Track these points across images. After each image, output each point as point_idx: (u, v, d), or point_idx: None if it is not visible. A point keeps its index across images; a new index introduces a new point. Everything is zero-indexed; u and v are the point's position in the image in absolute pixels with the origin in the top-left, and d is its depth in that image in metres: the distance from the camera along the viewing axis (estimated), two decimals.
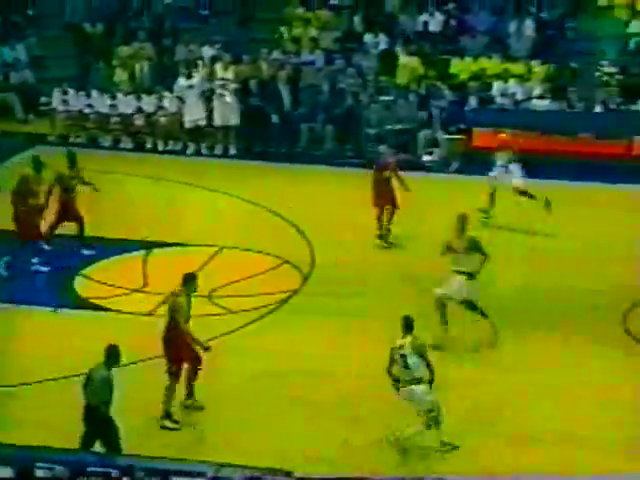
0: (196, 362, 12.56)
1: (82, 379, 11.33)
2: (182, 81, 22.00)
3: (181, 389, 12.59)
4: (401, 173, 17.43)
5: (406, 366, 11.81)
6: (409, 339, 11.86)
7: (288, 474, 10.11)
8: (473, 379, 13.16)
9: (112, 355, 11.25)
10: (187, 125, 21.80)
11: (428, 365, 11.75)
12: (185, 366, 12.50)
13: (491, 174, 18.00)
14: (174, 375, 12.45)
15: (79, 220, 16.55)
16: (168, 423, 12.29)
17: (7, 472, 9.68)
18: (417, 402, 11.78)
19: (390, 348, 11.93)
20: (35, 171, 16.19)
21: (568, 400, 12.73)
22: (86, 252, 16.58)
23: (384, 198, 17.06)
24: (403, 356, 11.82)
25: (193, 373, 12.65)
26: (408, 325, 11.94)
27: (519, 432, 12.06)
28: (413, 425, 11.68)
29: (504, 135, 18.54)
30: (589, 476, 10.98)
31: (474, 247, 13.89)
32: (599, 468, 11.27)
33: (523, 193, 17.71)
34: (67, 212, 16.47)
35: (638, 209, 18.36)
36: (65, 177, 16.44)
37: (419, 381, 11.76)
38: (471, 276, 13.89)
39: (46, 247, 16.38)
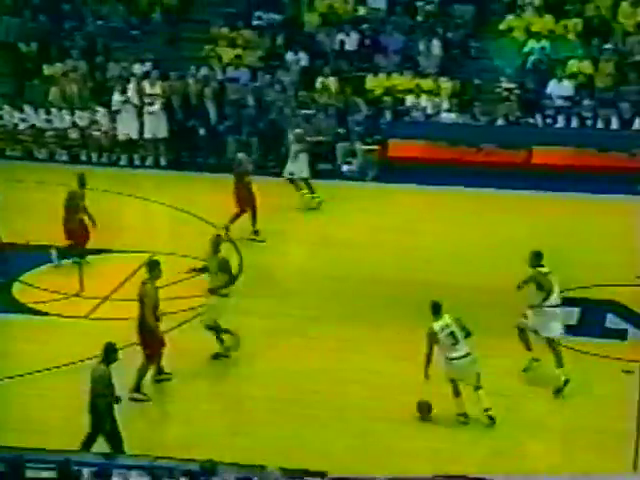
0: (161, 345, 13.10)
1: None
2: (116, 96, 21.87)
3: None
4: (322, 181, 17.76)
5: (456, 342, 12.25)
6: (447, 318, 12.36)
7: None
8: None
9: (110, 352, 11.42)
10: (120, 137, 21.68)
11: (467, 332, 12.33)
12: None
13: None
14: (149, 358, 12.98)
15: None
16: (138, 395, 12.85)
17: None
18: (468, 374, 12.25)
19: (428, 334, 12.25)
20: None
21: None
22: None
23: (246, 201, 17.60)
24: (452, 333, 12.31)
25: (147, 361, 13.10)
26: (437, 309, 12.43)
27: None
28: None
29: None
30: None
31: (223, 268, 13.89)
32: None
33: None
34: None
35: (536, 213, 18.74)
36: (77, 196, 16.54)
37: (468, 354, 12.24)
38: (215, 293, 13.87)
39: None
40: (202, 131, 21.88)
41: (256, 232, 17.75)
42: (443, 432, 12.34)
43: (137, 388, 13.02)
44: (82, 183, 16.77)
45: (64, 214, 16.48)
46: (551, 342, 13.13)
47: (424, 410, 12.50)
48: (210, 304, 13.92)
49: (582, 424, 12.46)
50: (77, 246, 16.54)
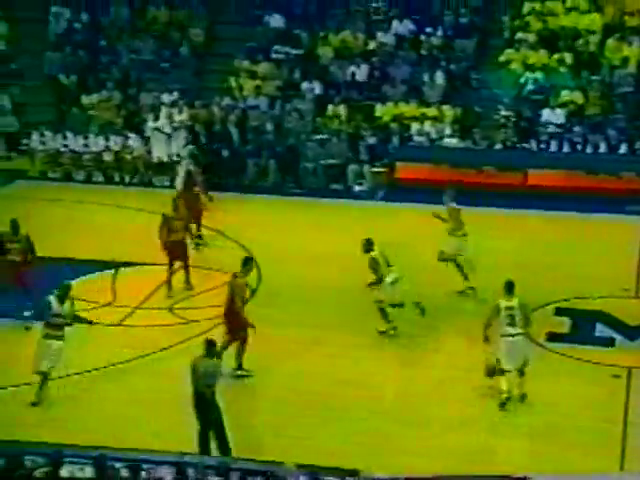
0: (245, 337, 13.21)
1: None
2: (149, 123, 21.93)
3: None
4: (335, 200, 17.73)
5: (513, 323, 12.35)
6: (516, 300, 12.49)
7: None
8: None
9: (211, 347, 11.47)
10: (154, 160, 21.69)
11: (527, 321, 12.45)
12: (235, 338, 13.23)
13: None
14: (227, 343, 13.23)
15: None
16: (242, 372, 13.25)
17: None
18: (517, 352, 12.32)
19: (494, 305, 12.50)
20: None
21: None
22: None
23: (194, 209, 17.57)
24: (512, 316, 12.43)
25: (242, 347, 13.30)
26: (510, 288, 12.59)
27: None
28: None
29: None
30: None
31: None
32: None
33: None
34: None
35: (531, 230, 18.67)
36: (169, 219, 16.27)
37: (521, 334, 12.38)
38: None
39: None
40: (225, 154, 21.93)
41: (199, 237, 17.83)
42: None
43: (239, 366, 13.28)
44: (175, 206, 16.50)
45: (161, 233, 16.12)
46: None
47: (491, 371, 12.58)
48: None
49: (573, 425, 12.37)
50: (176, 260, 16.21)
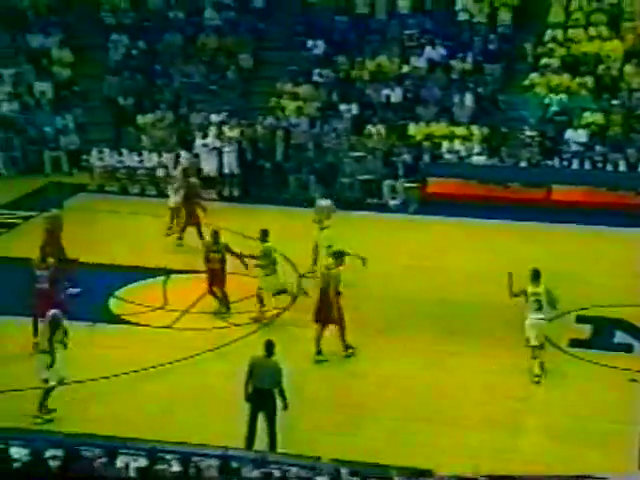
0: (342, 322, 13.84)
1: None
2: (199, 141, 22.10)
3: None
4: (371, 213, 17.85)
5: (539, 308, 13.11)
6: (542, 288, 13.15)
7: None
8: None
9: (270, 347, 11.57)
10: (204, 174, 21.84)
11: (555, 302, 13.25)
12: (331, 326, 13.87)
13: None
14: (319, 333, 13.88)
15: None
16: (320, 357, 13.81)
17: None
18: (537, 332, 12.96)
19: (523, 290, 13.12)
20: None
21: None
22: None
23: (193, 219, 18.12)
24: (538, 301, 13.14)
25: (342, 330, 13.88)
26: (536, 276, 13.23)
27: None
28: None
29: None
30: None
31: None
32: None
33: None
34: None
35: (555, 242, 18.55)
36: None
37: (542, 320, 13.13)
38: None
39: None
40: (268, 170, 22.05)
41: (180, 237, 18.20)
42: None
43: (346, 347, 13.86)
44: (216, 238, 15.94)
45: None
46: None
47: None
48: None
49: (592, 426, 12.25)
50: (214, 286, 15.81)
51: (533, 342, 13.29)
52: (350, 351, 14.02)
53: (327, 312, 13.80)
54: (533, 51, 23.21)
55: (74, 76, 24.59)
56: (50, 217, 16.58)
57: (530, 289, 13.28)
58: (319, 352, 13.90)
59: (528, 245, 18.35)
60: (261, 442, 11.37)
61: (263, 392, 11.34)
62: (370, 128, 22.44)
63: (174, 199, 18.93)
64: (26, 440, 9.98)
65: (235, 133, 22.24)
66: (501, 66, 23.38)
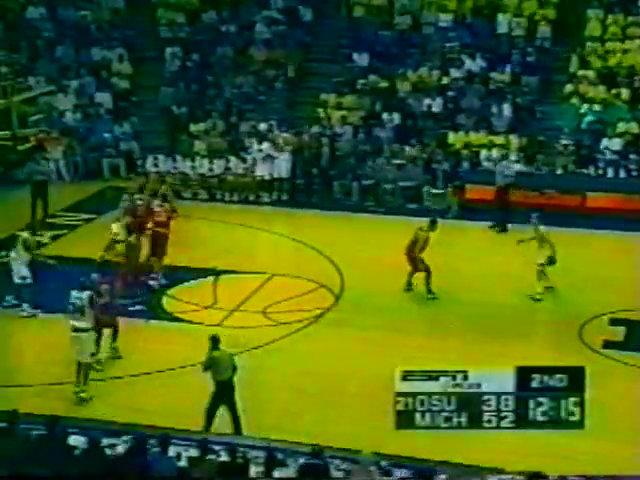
0: (427, 269, 15.82)
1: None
2: (255, 147, 22.17)
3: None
4: (411, 218, 17.86)
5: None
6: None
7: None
8: None
9: (216, 341, 11.81)
10: (258, 178, 21.81)
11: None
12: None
13: None
14: (410, 274, 15.93)
15: None
16: (431, 295, 15.81)
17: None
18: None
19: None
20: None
21: None
22: None
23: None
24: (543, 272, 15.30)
25: (427, 279, 15.87)
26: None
27: None
28: None
29: None
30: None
31: None
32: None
33: None
34: None
35: (589, 248, 18.31)
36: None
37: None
38: None
39: None
40: (314, 177, 22.05)
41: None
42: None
43: (429, 291, 15.73)
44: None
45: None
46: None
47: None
48: None
49: (627, 424, 12.02)
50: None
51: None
52: (430, 295, 15.74)
53: (414, 264, 15.83)
54: (572, 62, 22.90)
55: (132, 87, 24.88)
56: None
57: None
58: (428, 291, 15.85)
59: (562, 250, 18.10)
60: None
61: (225, 383, 11.52)
62: (411, 137, 22.34)
63: None
64: (84, 429, 10.10)
65: (284, 141, 22.30)
66: (538, 78, 23.12)
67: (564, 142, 21.45)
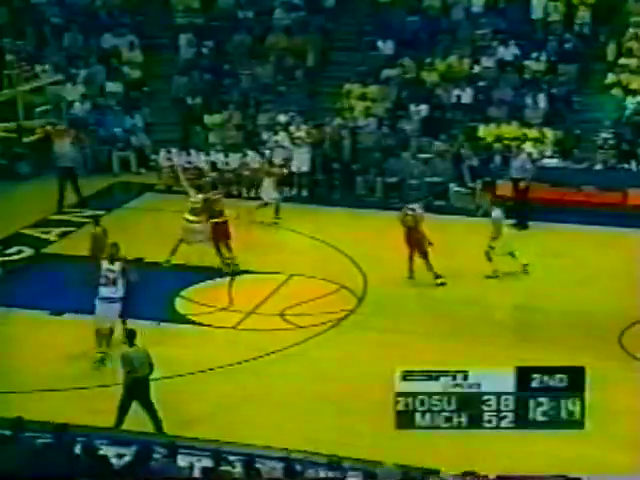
0: (425, 253, 16.57)
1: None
2: (272, 139, 22.21)
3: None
4: (438, 216, 17.88)
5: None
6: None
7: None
8: None
9: (131, 337, 12.23)
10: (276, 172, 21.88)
11: None
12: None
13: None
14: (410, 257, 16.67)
15: None
16: (439, 280, 16.51)
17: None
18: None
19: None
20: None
21: None
22: None
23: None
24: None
25: (427, 262, 16.57)
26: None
27: None
28: None
29: None
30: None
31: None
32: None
33: None
34: None
35: (630, 247, 18.14)
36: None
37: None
38: None
39: None
40: (335, 172, 22.04)
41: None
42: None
43: (436, 276, 16.47)
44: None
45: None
46: None
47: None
48: None
49: None
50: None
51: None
52: (439, 281, 16.43)
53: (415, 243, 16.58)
54: (613, 49, 22.70)
55: (144, 76, 24.97)
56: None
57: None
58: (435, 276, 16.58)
59: (602, 250, 17.98)
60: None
61: (139, 380, 11.79)
62: (439, 129, 22.26)
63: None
64: (88, 437, 10.14)
65: (304, 134, 22.31)
66: (576, 66, 22.96)
67: (604, 135, 21.26)
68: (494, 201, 18.41)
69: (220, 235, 17.29)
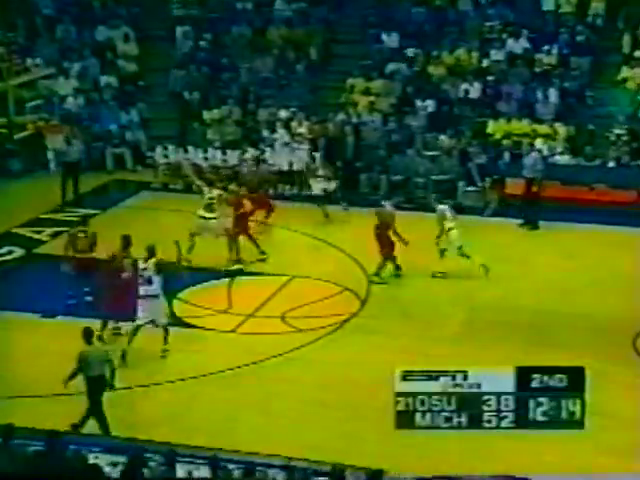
0: (389, 254, 16.73)
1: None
2: (274, 134, 22.23)
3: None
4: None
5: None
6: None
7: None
8: None
9: (89, 335, 12.27)
10: (274, 170, 21.89)
11: None
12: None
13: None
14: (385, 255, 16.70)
15: None
16: (377, 279, 16.71)
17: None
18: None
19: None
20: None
21: None
22: None
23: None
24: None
25: (384, 262, 16.75)
26: None
27: None
28: None
29: None
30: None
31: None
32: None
33: None
34: None
35: None
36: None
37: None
38: None
39: None
40: (339, 169, 21.98)
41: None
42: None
43: (376, 274, 16.69)
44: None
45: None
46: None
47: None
48: None
49: None
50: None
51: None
52: (377, 279, 16.62)
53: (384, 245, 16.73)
54: (628, 42, 22.67)
55: (140, 70, 24.97)
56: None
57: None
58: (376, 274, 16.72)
59: (615, 251, 17.94)
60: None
61: (95, 379, 11.93)
62: (446, 125, 22.24)
63: None
64: (83, 445, 10.12)
65: (305, 129, 22.29)
66: (589, 59, 22.92)
67: (617, 131, 21.22)
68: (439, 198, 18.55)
69: (242, 228, 17.49)
